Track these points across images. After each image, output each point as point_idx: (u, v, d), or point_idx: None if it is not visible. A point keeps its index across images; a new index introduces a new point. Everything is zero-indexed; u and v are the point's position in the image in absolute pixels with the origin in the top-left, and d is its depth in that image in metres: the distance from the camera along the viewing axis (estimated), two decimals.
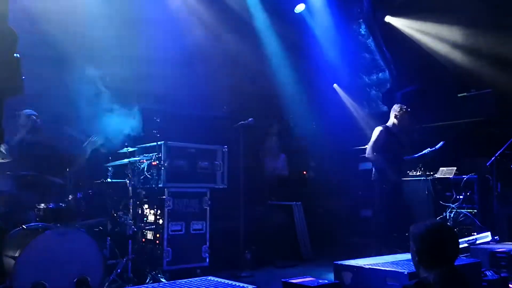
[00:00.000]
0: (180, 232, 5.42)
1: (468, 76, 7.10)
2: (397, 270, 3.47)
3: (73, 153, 5.14)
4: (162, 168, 5.32)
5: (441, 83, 7.67)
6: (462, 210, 6.14)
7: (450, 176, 6.38)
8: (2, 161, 4.09)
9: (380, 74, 8.36)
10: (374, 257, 4.31)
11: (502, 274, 4.13)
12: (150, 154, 5.43)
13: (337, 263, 3.91)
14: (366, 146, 6.06)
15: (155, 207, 5.48)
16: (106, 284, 4.49)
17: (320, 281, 3.32)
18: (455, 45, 7.28)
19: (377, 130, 5.95)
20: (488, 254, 4.56)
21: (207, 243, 5.61)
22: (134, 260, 4.96)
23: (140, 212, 5.43)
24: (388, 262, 3.84)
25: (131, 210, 5.11)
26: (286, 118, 8.72)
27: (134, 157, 5.48)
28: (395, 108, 6.00)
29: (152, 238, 5.46)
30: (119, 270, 4.74)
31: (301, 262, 6.78)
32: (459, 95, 7.27)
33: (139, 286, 3.77)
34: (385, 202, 5.85)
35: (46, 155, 4.87)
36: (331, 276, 4.03)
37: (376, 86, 8.50)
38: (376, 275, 3.58)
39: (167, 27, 6.66)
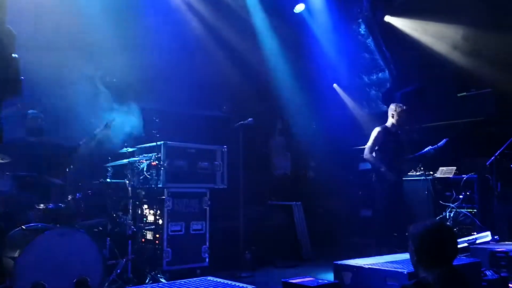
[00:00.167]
0: (179, 232, 5.42)
1: (468, 76, 7.10)
2: (397, 270, 3.46)
3: (75, 144, 5.16)
4: (162, 168, 5.32)
5: (440, 82, 7.67)
6: (462, 210, 6.15)
7: (450, 176, 6.38)
8: (2, 161, 4.09)
9: (380, 74, 8.36)
10: (373, 257, 4.31)
11: (502, 274, 4.13)
12: (150, 154, 5.42)
13: (337, 263, 3.91)
14: (366, 146, 6.05)
15: (154, 207, 5.48)
16: (106, 284, 4.48)
17: (320, 281, 3.32)
18: (455, 45, 7.27)
19: (376, 130, 5.95)
20: (488, 253, 4.56)
21: (207, 243, 5.61)
22: (134, 261, 4.96)
23: (139, 213, 5.43)
24: (387, 262, 3.83)
25: (130, 210, 5.11)
26: (286, 118, 8.72)
27: (134, 157, 5.48)
28: (392, 107, 5.99)
29: (151, 238, 5.46)
30: (118, 271, 4.73)
31: (301, 262, 6.78)
32: (459, 94, 7.27)
33: (139, 286, 3.77)
34: (384, 202, 5.84)
35: (46, 155, 4.87)
36: (331, 276, 4.03)
37: (376, 86, 8.49)
38: (376, 275, 3.58)
39: (167, 27, 6.66)
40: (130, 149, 5.36)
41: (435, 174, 6.54)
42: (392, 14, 7.89)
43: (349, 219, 7.81)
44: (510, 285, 4.06)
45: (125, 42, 6.09)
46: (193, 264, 5.45)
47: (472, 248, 4.98)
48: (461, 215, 6.15)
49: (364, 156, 5.95)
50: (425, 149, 5.97)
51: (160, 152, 5.37)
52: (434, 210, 6.33)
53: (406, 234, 2.58)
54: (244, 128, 5.96)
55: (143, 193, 5.37)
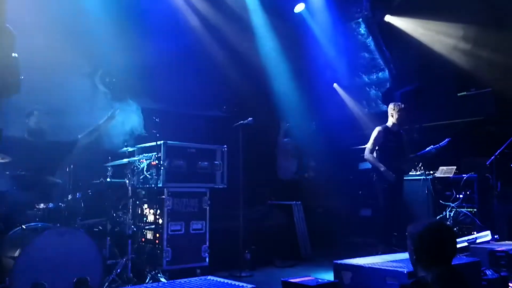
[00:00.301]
0: (179, 232, 5.42)
1: (468, 75, 7.11)
2: (396, 269, 3.47)
3: (74, 138, 5.17)
4: (162, 168, 5.32)
5: (440, 82, 7.67)
6: (462, 209, 6.15)
7: (450, 175, 6.38)
8: (2, 161, 4.09)
9: (380, 74, 8.36)
10: (373, 256, 4.31)
11: (501, 273, 4.14)
12: (150, 154, 5.42)
13: (337, 263, 3.91)
14: (366, 146, 6.05)
15: (154, 207, 5.47)
16: (106, 284, 4.48)
17: (319, 280, 3.32)
18: (455, 45, 7.28)
19: (376, 130, 5.95)
20: (487, 253, 4.57)
21: (207, 243, 5.61)
22: (134, 260, 4.95)
23: (139, 212, 5.42)
24: (387, 261, 3.84)
25: (130, 210, 5.09)
26: (286, 117, 8.72)
27: (134, 157, 5.48)
28: (391, 107, 5.99)
29: (151, 238, 5.45)
30: (118, 270, 4.73)
31: (301, 261, 6.77)
32: (458, 94, 7.27)
33: (139, 286, 3.76)
34: (384, 201, 5.84)
35: (46, 154, 4.87)
36: (330, 276, 4.03)
37: (376, 86, 8.49)
38: (376, 274, 3.58)
39: (167, 27, 6.66)
40: (130, 149, 5.36)
41: (435, 174, 6.54)
42: (392, 14, 7.90)
43: (349, 219, 7.82)
44: (510, 284, 4.07)
45: (125, 42, 6.09)
46: (193, 264, 5.45)
47: (472, 247, 4.98)
48: (461, 214, 6.15)
49: (365, 156, 5.95)
50: (427, 149, 5.97)
51: (160, 152, 5.37)
52: (434, 210, 6.34)
53: (406, 233, 2.58)
54: (244, 128, 5.96)
55: (143, 192, 5.37)
